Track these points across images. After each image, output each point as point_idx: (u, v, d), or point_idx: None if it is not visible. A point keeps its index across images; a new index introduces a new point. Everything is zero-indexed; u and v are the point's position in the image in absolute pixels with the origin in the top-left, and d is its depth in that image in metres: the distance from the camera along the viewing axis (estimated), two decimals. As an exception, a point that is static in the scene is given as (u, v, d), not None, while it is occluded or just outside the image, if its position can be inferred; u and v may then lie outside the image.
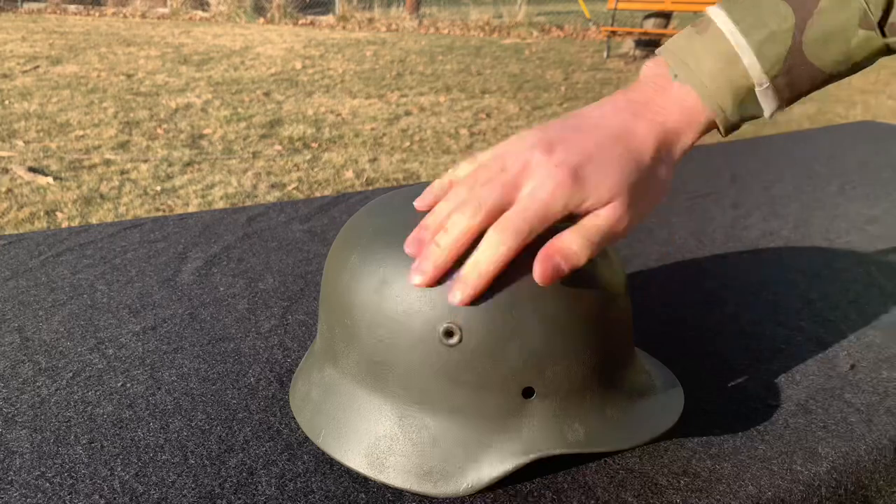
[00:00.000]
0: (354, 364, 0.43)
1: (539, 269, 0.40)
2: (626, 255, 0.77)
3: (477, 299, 0.40)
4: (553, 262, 0.40)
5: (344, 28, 9.53)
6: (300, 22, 9.86)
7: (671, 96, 0.43)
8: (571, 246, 0.40)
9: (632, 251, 0.79)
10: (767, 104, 0.43)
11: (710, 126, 0.43)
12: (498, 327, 0.40)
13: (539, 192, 0.40)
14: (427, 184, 0.46)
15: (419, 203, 0.44)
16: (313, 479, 0.43)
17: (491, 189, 0.40)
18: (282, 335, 0.60)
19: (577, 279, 0.42)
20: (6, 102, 4.74)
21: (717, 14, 0.43)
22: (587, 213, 0.41)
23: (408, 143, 4.13)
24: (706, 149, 1.23)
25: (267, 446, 0.46)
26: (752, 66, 0.42)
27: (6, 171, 3.37)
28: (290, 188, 3.29)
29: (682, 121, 0.43)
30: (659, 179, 0.42)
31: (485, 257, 0.39)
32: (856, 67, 0.43)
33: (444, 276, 0.40)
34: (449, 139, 4.29)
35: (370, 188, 2.55)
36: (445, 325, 0.40)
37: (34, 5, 10.25)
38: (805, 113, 5.14)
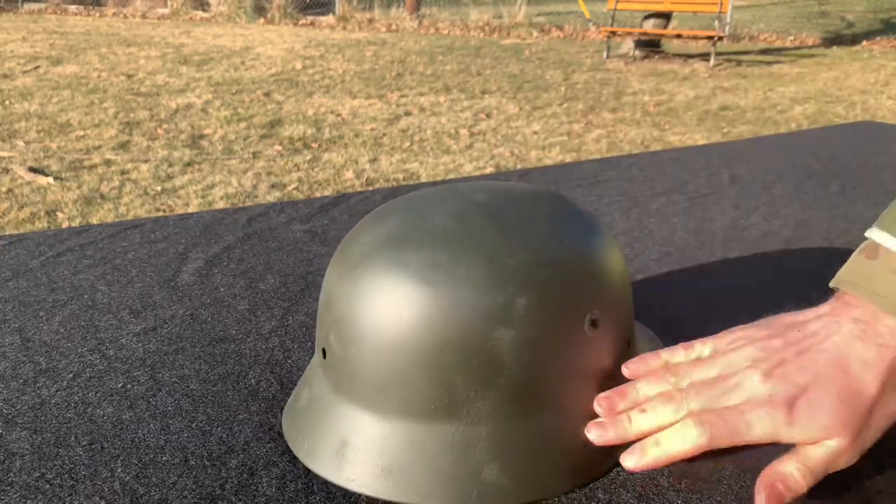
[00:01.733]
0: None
1: (762, 498, 0.40)
2: (626, 255, 0.77)
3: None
4: (776, 490, 0.39)
5: (344, 28, 9.53)
6: (300, 22, 9.86)
7: (885, 325, 0.41)
8: (794, 474, 0.40)
9: (632, 251, 0.79)
10: None
11: None
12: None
13: (748, 413, 0.39)
14: (415, 186, 0.46)
15: (628, 370, 0.45)
16: (314, 481, 0.43)
17: (701, 396, 0.41)
18: (282, 336, 0.60)
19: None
20: (7, 102, 4.74)
21: (882, 237, 0.44)
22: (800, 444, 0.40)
23: (408, 144, 4.13)
24: (706, 149, 1.23)
25: (268, 447, 0.46)
26: None
27: (6, 171, 3.37)
28: (290, 188, 3.29)
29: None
30: (889, 406, 0.41)
31: (673, 443, 0.40)
32: None
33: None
34: (449, 139, 4.29)
35: (370, 188, 2.55)
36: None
37: (34, 5, 10.25)
38: (805, 113, 5.14)
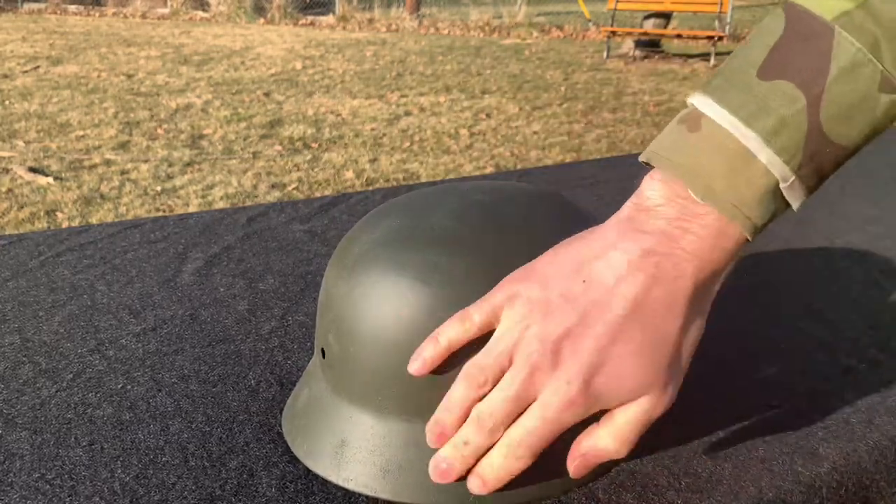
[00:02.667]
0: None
1: (573, 467, 0.39)
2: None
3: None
4: (589, 463, 0.39)
5: (344, 28, 9.53)
6: (300, 22, 9.86)
7: (698, 231, 0.37)
8: (607, 446, 0.38)
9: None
10: (795, 198, 0.37)
11: (742, 242, 0.37)
12: None
13: (549, 412, 0.37)
14: (415, 186, 0.46)
15: (417, 370, 0.40)
16: (314, 481, 0.43)
17: (502, 407, 0.38)
18: (282, 337, 0.60)
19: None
20: (6, 102, 4.74)
21: (706, 105, 0.37)
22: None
23: (408, 144, 4.13)
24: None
25: (267, 448, 0.46)
26: (772, 162, 0.35)
27: (6, 171, 3.37)
28: (290, 188, 3.29)
29: (713, 254, 0.37)
30: (692, 335, 0.38)
31: (500, 467, 0.38)
32: (876, 135, 0.37)
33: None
34: (449, 139, 4.29)
35: (370, 188, 2.55)
36: None
37: (34, 5, 10.26)
38: (805, 113, 5.13)
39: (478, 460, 0.39)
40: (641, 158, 0.39)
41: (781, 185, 0.36)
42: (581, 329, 0.37)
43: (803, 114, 0.35)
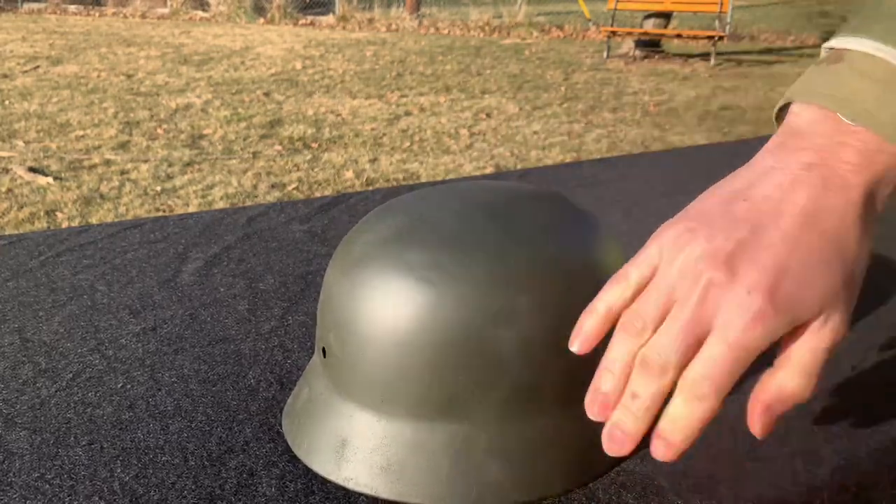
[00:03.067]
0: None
1: (759, 425, 0.35)
2: (627, 256, 0.77)
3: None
4: (774, 414, 0.35)
5: (344, 28, 9.54)
6: (300, 22, 9.86)
7: (851, 146, 0.35)
8: (791, 388, 0.34)
9: (632, 251, 0.78)
10: None
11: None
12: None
13: (733, 333, 0.32)
14: (415, 186, 0.45)
15: (579, 346, 0.37)
16: (314, 481, 0.43)
17: (672, 340, 0.33)
18: (282, 336, 0.60)
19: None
20: (6, 102, 4.74)
21: (846, 42, 0.36)
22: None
23: (408, 144, 4.13)
24: (706, 149, 1.23)
25: (267, 447, 0.46)
26: None
27: (6, 171, 3.37)
28: (290, 188, 3.29)
29: (876, 167, 0.35)
30: (865, 248, 0.35)
31: (682, 416, 0.34)
32: None
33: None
34: (449, 139, 4.29)
35: (370, 188, 2.55)
36: None
37: (34, 5, 10.26)
38: (805, 113, 5.13)
39: (656, 419, 0.34)
40: (780, 104, 0.37)
41: None
42: (755, 239, 0.33)
43: None
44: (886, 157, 0.35)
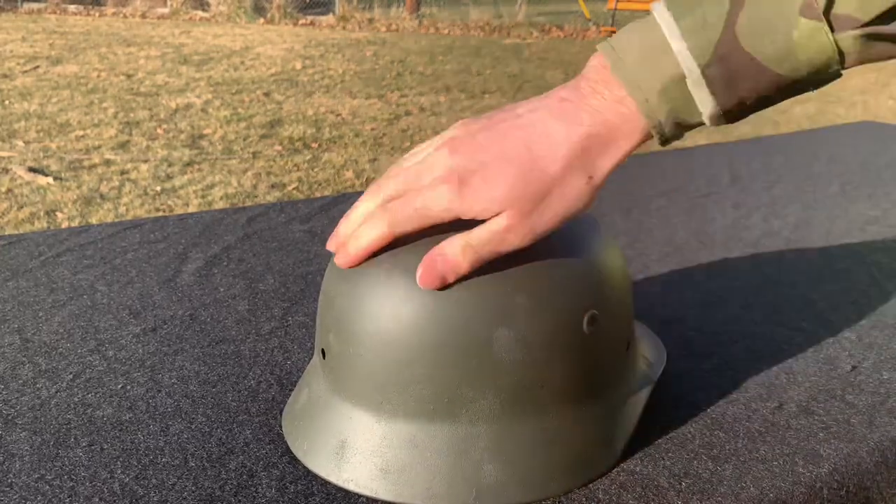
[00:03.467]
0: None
1: (420, 272, 0.40)
2: (627, 255, 0.77)
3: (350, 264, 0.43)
4: (434, 266, 0.40)
5: (344, 28, 9.53)
6: (300, 22, 9.85)
7: (606, 97, 0.40)
8: (453, 251, 0.40)
9: (632, 251, 0.79)
10: (704, 102, 0.39)
11: (643, 129, 0.40)
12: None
13: (425, 191, 0.40)
14: None
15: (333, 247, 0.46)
16: (314, 482, 0.43)
17: (396, 182, 0.42)
18: (282, 337, 0.60)
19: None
20: (6, 102, 4.74)
21: (657, 7, 0.40)
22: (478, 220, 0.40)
23: (408, 144, 4.13)
24: (706, 149, 1.23)
25: (267, 448, 0.46)
26: (681, 53, 0.38)
27: (6, 171, 3.37)
28: (290, 188, 3.29)
29: (612, 123, 0.40)
30: (570, 188, 0.40)
31: (365, 235, 0.42)
32: (814, 75, 0.38)
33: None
34: (449, 139, 4.28)
35: (370, 188, 2.54)
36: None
37: (34, 5, 10.25)
38: (805, 113, 5.14)
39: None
40: (597, 46, 0.42)
41: (688, 80, 0.38)
42: (482, 139, 0.41)
43: (723, 18, 0.37)
44: (629, 117, 0.40)
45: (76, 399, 0.51)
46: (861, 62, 0.38)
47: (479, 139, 0.41)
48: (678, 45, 0.38)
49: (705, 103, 0.39)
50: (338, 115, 4.75)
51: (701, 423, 0.49)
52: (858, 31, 0.36)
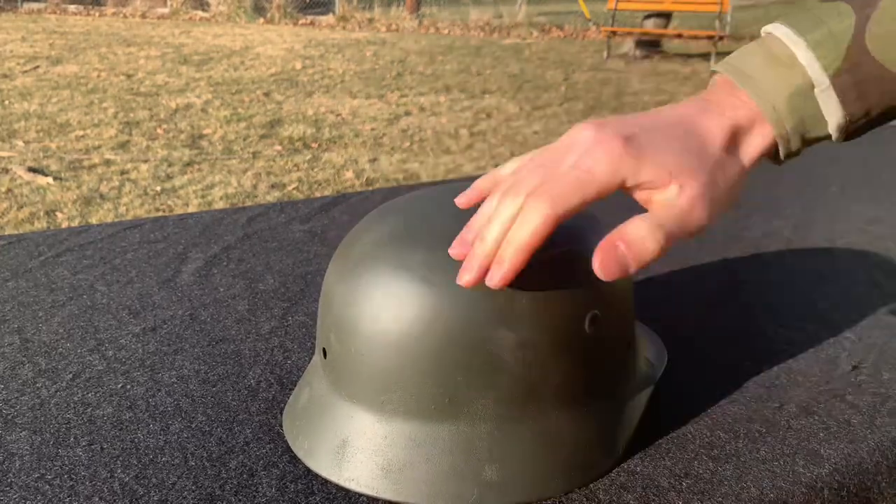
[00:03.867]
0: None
1: (598, 260, 0.36)
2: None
3: (515, 283, 0.36)
4: (617, 251, 0.36)
5: (344, 28, 9.53)
6: (300, 22, 9.85)
7: (737, 104, 0.40)
8: (638, 232, 0.36)
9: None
10: (832, 112, 0.39)
11: (771, 138, 0.40)
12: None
13: (583, 159, 0.36)
14: (415, 186, 0.46)
15: (461, 200, 0.42)
16: (314, 481, 0.43)
17: (535, 172, 0.37)
18: (282, 336, 0.60)
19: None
20: (6, 102, 4.74)
21: (773, 27, 0.41)
22: (649, 191, 0.37)
23: (408, 144, 4.13)
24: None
25: (267, 448, 0.46)
26: (810, 64, 0.38)
27: (6, 171, 3.37)
28: (290, 188, 3.29)
29: (750, 119, 0.40)
30: (728, 174, 0.39)
31: (518, 229, 0.36)
32: None
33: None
34: (449, 139, 4.29)
35: (370, 188, 2.55)
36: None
37: (34, 5, 10.25)
38: (805, 113, 5.13)
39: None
40: (715, 67, 0.43)
41: (816, 90, 0.39)
42: (629, 119, 0.39)
43: (850, 28, 0.38)
44: (759, 125, 0.40)
45: (76, 398, 0.51)
46: None
47: (627, 119, 0.39)
48: (805, 57, 0.38)
49: (833, 113, 0.39)
50: (338, 115, 4.75)
51: (701, 423, 0.49)
52: None
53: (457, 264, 0.41)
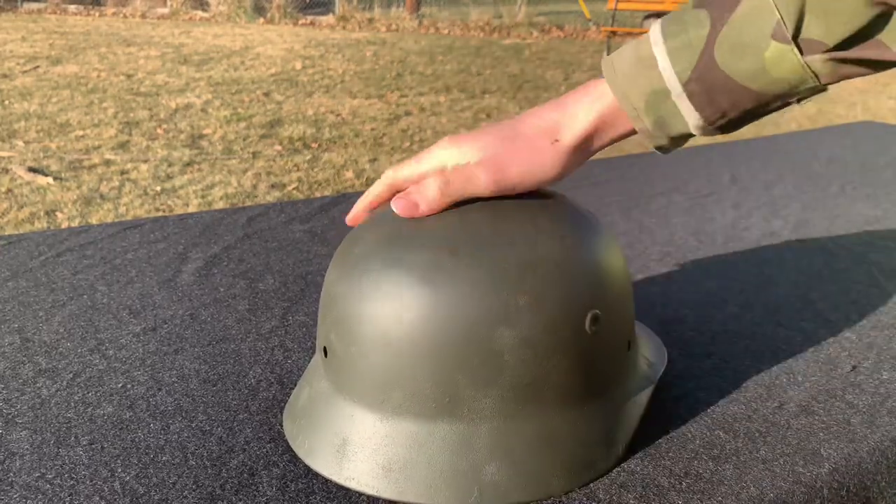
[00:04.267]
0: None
1: (396, 202, 0.45)
2: (627, 255, 0.77)
3: None
4: (409, 194, 0.45)
5: (344, 28, 9.53)
6: (300, 22, 9.85)
7: (589, 93, 0.45)
8: (428, 183, 0.44)
9: (632, 251, 0.79)
10: (689, 114, 0.43)
11: (625, 127, 0.45)
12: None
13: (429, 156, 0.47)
14: None
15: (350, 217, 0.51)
16: (315, 480, 0.43)
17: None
18: (282, 336, 0.60)
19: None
20: (6, 102, 4.74)
21: (653, 25, 0.44)
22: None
23: (408, 144, 4.13)
24: (706, 149, 1.23)
25: (268, 447, 0.46)
26: (666, 70, 0.42)
27: (6, 171, 3.37)
28: (290, 188, 3.29)
29: (587, 111, 0.45)
30: (536, 151, 0.45)
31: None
32: (792, 90, 0.41)
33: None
34: (449, 139, 4.28)
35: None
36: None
37: (34, 5, 10.25)
38: (805, 113, 5.14)
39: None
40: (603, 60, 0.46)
41: (672, 95, 0.42)
42: (483, 131, 0.47)
43: (703, 39, 0.41)
44: (603, 112, 0.45)
45: (76, 398, 0.51)
46: (839, 79, 0.41)
47: (474, 135, 0.47)
48: (663, 63, 0.42)
49: (690, 115, 0.43)
50: (338, 115, 4.75)
51: (701, 422, 0.49)
52: (826, 55, 0.39)
53: (458, 264, 0.41)
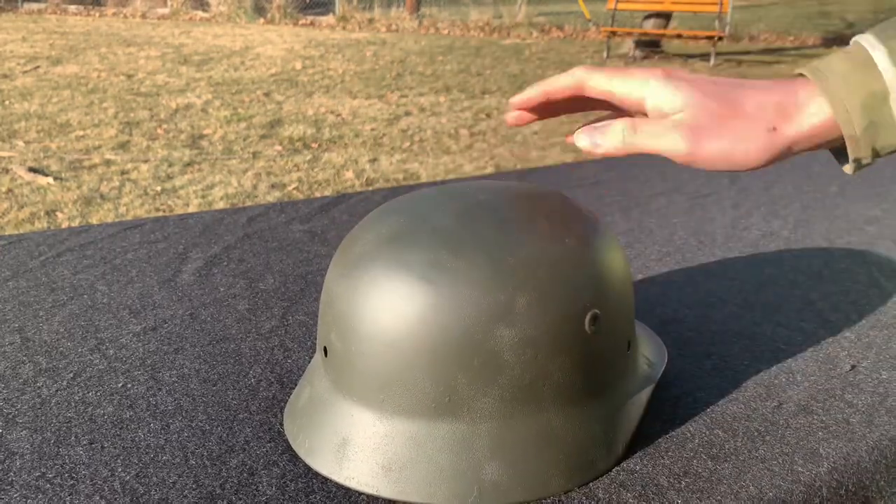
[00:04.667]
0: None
1: (579, 134, 0.44)
2: (627, 255, 0.77)
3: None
4: (594, 132, 0.43)
5: (344, 28, 9.53)
6: (300, 22, 9.85)
7: (800, 87, 0.42)
8: (615, 126, 0.42)
9: (632, 251, 0.79)
10: None
11: (833, 129, 0.41)
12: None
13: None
14: (415, 186, 0.47)
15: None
16: (315, 480, 0.43)
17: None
18: (282, 336, 0.60)
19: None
20: (6, 102, 4.74)
21: (860, 36, 0.42)
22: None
23: (408, 144, 4.13)
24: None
25: (268, 447, 0.46)
26: (887, 70, 0.40)
27: (6, 171, 3.37)
28: (290, 188, 3.29)
29: (819, 107, 0.41)
30: (752, 127, 0.41)
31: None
32: None
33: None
34: (449, 139, 4.29)
35: (370, 188, 2.55)
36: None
37: (34, 5, 10.25)
38: (805, 113, 5.12)
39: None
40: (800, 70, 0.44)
41: (892, 97, 0.40)
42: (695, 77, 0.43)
43: None
44: (813, 112, 0.42)
45: (77, 398, 0.51)
46: None
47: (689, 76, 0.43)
48: (884, 64, 0.40)
49: None
50: (338, 115, 4.75)
51: (700, 422, 0.49)
52: None
53: (458, 264, 0.41)
